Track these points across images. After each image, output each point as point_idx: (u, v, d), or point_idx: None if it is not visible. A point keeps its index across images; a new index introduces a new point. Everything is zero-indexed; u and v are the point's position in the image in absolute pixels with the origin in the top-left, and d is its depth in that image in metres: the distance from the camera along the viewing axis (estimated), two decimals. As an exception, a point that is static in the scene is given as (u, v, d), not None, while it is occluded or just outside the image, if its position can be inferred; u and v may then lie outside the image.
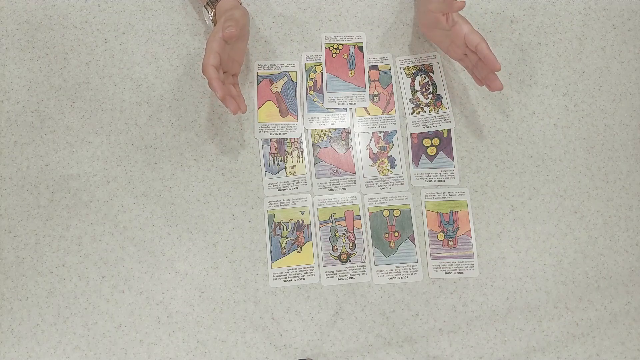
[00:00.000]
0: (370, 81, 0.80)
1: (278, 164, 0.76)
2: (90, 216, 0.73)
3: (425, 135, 0.78)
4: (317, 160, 0.77)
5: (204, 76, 0.67)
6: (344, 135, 0.78)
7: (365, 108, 0.79)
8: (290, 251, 0.73)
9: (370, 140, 0.78)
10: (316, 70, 0.80)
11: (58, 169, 0.75)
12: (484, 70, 0.70)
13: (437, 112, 0.79)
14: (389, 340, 0.71)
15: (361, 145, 0.78)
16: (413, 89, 0.80)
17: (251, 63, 0.80)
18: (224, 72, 0.71)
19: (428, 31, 0.76)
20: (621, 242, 0.75)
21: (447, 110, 0.79)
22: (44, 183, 0.74)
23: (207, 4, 0.73)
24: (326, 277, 0.72)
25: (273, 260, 0.73)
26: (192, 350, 0.70)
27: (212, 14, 0.73)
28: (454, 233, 0.74)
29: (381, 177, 0.76)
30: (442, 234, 0.74)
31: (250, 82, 0.79)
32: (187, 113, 0.78)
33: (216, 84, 0.65)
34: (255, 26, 0.81)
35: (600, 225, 0.76)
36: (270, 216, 0.74)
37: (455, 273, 0.73)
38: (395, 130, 0.78)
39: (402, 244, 0.74)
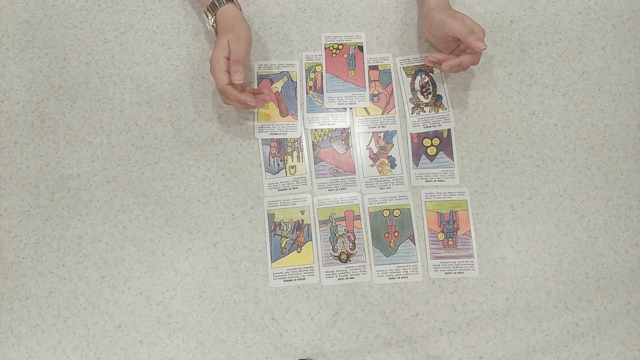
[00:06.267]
0: (370, 81, 0.80)
1: (278, 164, 0.76)
2: (90, 216, 0.73)
3: (425, 135, 0.78)
4: (317, 160, 0.77)
5: (223, 96, 0.70)
6: (344, 135, 0.78)
7: (365, 108, 0.79)
8: (290, 251, 0.73)
9: (370, 140, 0.78)
10: (316, 70, 0.80)
11: (58, 169, 0.75)
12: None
13: (437, 112, 0.79)
14: (389, 340, 0.71)
15: (361, 145, 0.78)
16: (413, 89, 0.80)
17: (251, 63, 0.80)
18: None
19: (429, 26, 0.76)
20: (621, 242, 0.75)
21: (447, 110, 0.79)
22: (44, 183, 0.74)
23: (208, 9, 0.73)
24: (326, 277, 0.72)
25: (273, 260, 0.73)
26: (192, 350, 0.70)
27: (212, 20, 0.73)
28: (454, 233, 0.74)
29: (381, 177, 0.76)
30: (442, 234, 0.74)
31: (250, 82, 0.79)
32: (187, 113, 0.78)
33: (245, 97, 0.68)
34: (255, 26, 0.81)
35: (600, 225, 0.76)
36: (270, 216, 0.74)
37: (455, 273, 0.73)
38: (395, 130, 0.78)
39: (402, 244, 0.74)
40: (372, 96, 0.79)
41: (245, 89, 0.71)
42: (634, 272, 0.74)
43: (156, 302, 0.71)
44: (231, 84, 0.68)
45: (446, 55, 0.73)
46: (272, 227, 0.74)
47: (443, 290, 0.72)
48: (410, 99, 0.79)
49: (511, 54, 0.81)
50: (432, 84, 0.80)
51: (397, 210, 0.75)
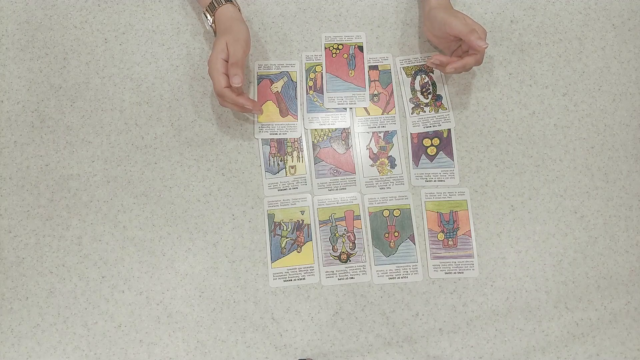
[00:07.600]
0: (370, 81, 0.80)
1: (278, 163, 0.76)
2: (90, 216, 0.73)
3: (425, 135, 0.78)
4: (317, 160, 0.77)
5: (220, 99, 0.70)
6: (344, 135, 0.78)
7: (365, 108, 0.79)
8: (290, 251, 0.73)
9: (370, 140, 0.78)
10: (316, 70, 0.80)
11: (58, 169, 0.75)
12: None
13: (437, 112, 0.79)
14: (389, 340, 0.71)
15: (361, 145, 0.78)
16: (413, 89, 0.80)
17: (251, 63, 0.80)
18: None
19: (429, 23, 0.76)
20: (621, 242, 0.75)
21: (447, 110, 0.79)
22: (44, 183, 0.74)
23: (207, 9, 0.73)
24: (326, 277, 0.72)
25: (273, 260, 0.73)
26: (192, 350, 0.70)
27: (211, 20, 0.73)
28: (454, 233, 0.74)
29: (381, 177, 0.76)
30: (442, 234, 0.74)
31: (250, 82, 0.79)
32: (187, 113, 0.78)
33: (242, 100, 0.69)
34: (255, 26, 0.81)
35: (600, 225, 0.76)
36: (270, 216, 0.74)
37: (455, 273, 0.73)
38: (395, 130, 0.78)
39: (402, 244, 0.74)
40: (372, 96, 0.79)
41: (242, 94, 0.72)
42: (634, 272, 0.74)
43: (156, 302, 0.71)
44: (229, 86, 0.68)
45: (449, 57, 0.73)
46: (272, 227, 0.74)
47: (443, 290, 0.72)
48: (410, 99, 0.79)
49: (511, 54, 0.81)
50: (432, 84, 0.80)
51: (397, 210, 0.75)
